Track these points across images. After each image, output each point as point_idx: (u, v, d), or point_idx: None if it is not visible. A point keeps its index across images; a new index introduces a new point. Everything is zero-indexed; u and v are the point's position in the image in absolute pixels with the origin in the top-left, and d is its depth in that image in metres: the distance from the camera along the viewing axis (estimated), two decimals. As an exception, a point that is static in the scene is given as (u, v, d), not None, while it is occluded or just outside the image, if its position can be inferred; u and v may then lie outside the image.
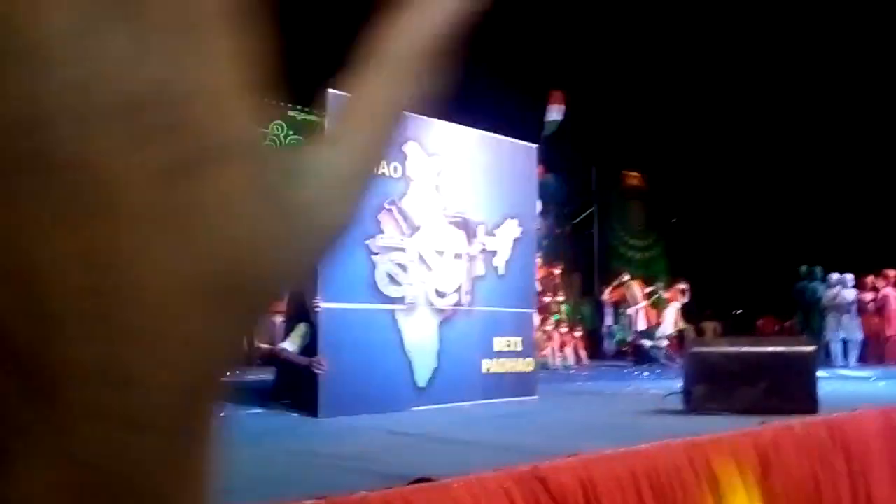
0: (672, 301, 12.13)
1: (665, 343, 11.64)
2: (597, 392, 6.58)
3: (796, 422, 3.97)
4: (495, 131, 5.86)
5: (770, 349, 4.39)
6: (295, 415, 4.43)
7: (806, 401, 4.29)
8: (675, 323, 12.06)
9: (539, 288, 11.39)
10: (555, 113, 12.94)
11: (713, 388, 4.39)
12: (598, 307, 14.95)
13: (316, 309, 4.52)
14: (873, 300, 10.87)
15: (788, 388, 4.29)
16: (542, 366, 10.61)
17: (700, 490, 3.24)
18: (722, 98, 13.80)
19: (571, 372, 10.50)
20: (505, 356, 5.60)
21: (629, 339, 12.50)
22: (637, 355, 11.85)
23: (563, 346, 11.43)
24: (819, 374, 7.07)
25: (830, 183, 13.79)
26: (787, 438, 3.85)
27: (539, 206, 11.53)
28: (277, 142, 13.05)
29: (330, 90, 4.70)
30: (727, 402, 4.32)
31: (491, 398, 5.35)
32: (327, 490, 2.09)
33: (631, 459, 2.95)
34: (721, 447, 3.47)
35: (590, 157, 15.51)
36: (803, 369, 4.33)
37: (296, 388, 4.71)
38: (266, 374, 6.28)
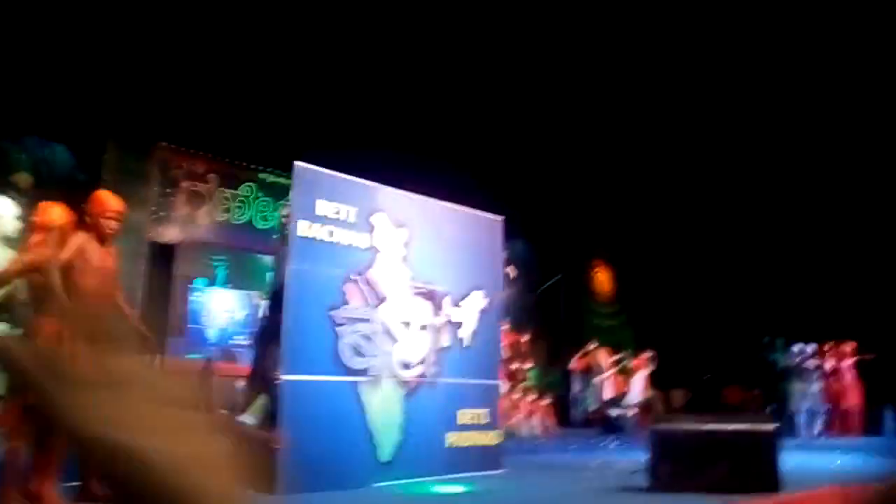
0: (639, 369, 12.16)
1: (632, 412, 11.61)
2: (563, 465, 6.49)
3: (759, 502, 3.96)
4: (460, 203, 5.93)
5: (733, 427, 4.40)
6: (251, 492, 4.28)
7: (769, 480, 4.28)
8: (643, 391, 12.06)
9: (506, 354, 11.37)
10: None
11: (678, 465, 4.37)
12: (566, 374, 14.92)
13: (276, 381, 4.43)
14: (834, 370, 11.00)
15: (751, 467, 4.29)
16: (510, 435, 10.48)
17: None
18: (686, 174, 14.18)
19: (539, 442, 10.38)
20: (470, 429, 5.52)
21: (596, 407, 12.44)
22: (604, 424, 11.78)
23: (530, 414, 11.33)
24: (785, 445, 7.10)
25: (792, 255, 14.12)
26: (751, 519, 3.83)
27: (513, 271, 11.63)
28: (248, 203, 13.06)
29: (297, 163, 4.74)
30: (692, 481, 4.30)
31: (455, 472, 5.24)
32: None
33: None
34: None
35: (558, 224, 15.72)
36: (765, 448, 4.33)
37: (253, 463, 4.56)
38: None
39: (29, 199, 8.66)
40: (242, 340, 10.40)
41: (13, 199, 6.51)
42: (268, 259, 11.44)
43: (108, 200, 3.91)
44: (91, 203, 3.84)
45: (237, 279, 11.45)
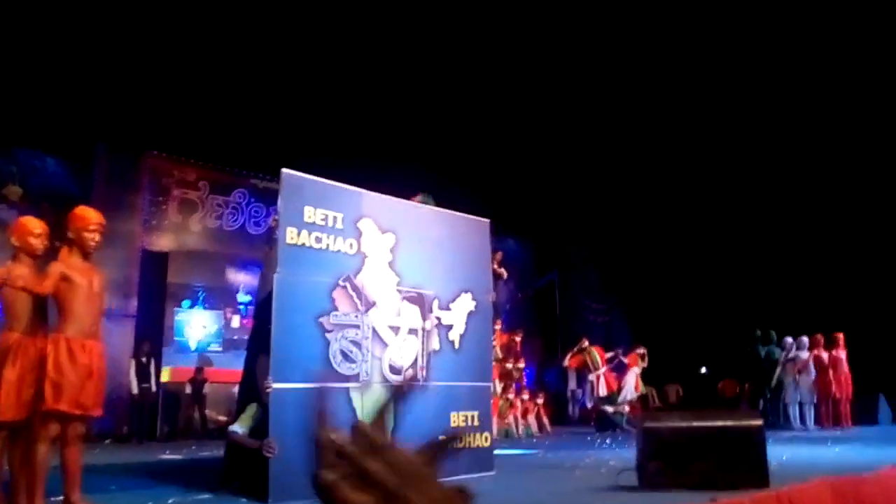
0: (632, 366, 12.22)
1: (627, 409, 11.67)
2: (555, 465, 6.53)
3: (747, 497, 3.99)
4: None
5: (719, 424, 4.44)
6: (244, 500, 4.32)
7: (756, 474, 4.32)
8: (637, 387, 12.12)
9: (500, 354, 11.41)
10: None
11: (666, 463, 4.41)
12: (561, 372, 14.99)
13: (267, 390, 4.45)
14: (825, 361, 11.07)
15: (739, 463, 4.33)
16: (505, 434, 10.53)
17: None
18: (678, 170, 14.24)
19: (534, 440, 10.42)
20: (462, 432, 5.55)
21: (591, 405, 12.49)
22: (599, 421, 11.83)
23: (525, 413, 11.37)
24: (777, 438, 7.15)
25: (782, 248, 14.18)
26: (737, 515, 3.87)
27: (505, 274, 11.65)
28: (240, 209, 13.08)
29: (284, 170, 4.77)
30: (680, 478, 4.34)
31: (447, 476, 5.24)
32: None
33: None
34: (671, 527, 3.48)
35: (550, 222, 15.78)
36: (752, 444, 4.37)
37: (245, 471, 4.60)
38: (219, 451, 6.13)
39: (20, 212, 8.69)
40: (217, 348, 12.37)
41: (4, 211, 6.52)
42: (238, 283, 12.48)
43: (88, 214, 3.97)
44: (72, 219, 3.91)
45: (212, 301, 12.55)
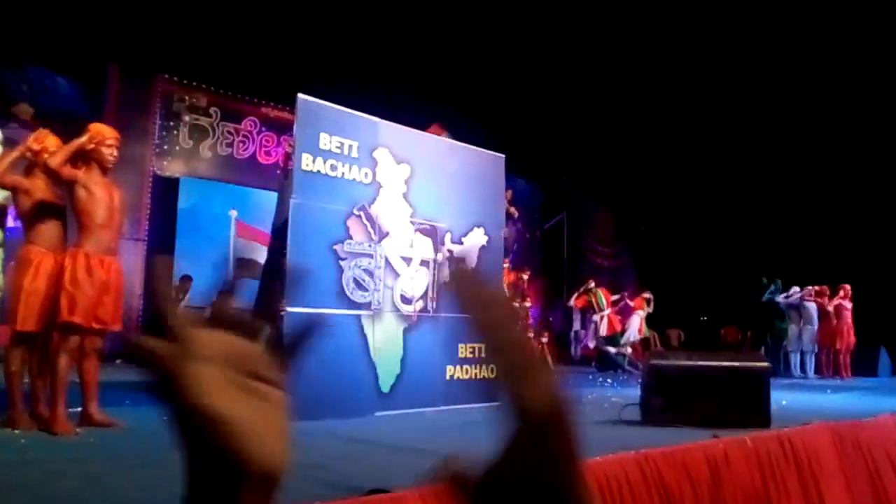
0: (637, 309, 12.31)
1: (629, 350, 11.80)
2: (559, 399, 6.64)
3: (748, 436, 4.07)
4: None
5: (725, 364, 4.50)
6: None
7: (759, 415, 4.40)
8: (640, 330, 12.24)
9: (508, 293, 11.49)
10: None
11: (669, 400, 4.49)
12: (566, 312, 15.11)
13: (281, 312, 4.52)
14: (829, 311, 11.13)
15: (742, 403, 4.40)
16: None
17: (650, 501, 3.32)
18: (690, 113, 14.03)
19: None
20: (469, 363, 5.65)
21: (594, 345, 12.65)
22: (601, 361, 12.00)
23: (529, 351, 11.52)
24: (778, 384, 7.25)
25: (792, 198, 14.09)
26: (738, 452, 3.95)
27: (516, 213, 11.65)
28: (251, 137, 13.00)
29: (300, 95, 4.72)
30: (683, 415, 4.42)
31: (455, 404, 5.40)
32: (282, 499, 2.11)
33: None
34: (673, 459, 3.56)
35: (561, 164, 15.66)
36: (757, 385, 4.44)
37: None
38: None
39: (30, 132, 8.66)
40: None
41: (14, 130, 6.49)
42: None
43: (104, 129, 3.93)
44: (89, 134, 3.85)
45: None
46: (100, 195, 3.80)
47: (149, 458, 3.01)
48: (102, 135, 3.86)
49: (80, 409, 3.85)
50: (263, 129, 13.11)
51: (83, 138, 3.77)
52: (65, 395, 3.65)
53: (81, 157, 3.85)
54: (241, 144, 12.92)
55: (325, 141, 4.77)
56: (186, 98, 12.29)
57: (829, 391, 8.33)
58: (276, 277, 4.79)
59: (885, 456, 4.83)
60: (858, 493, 4.61)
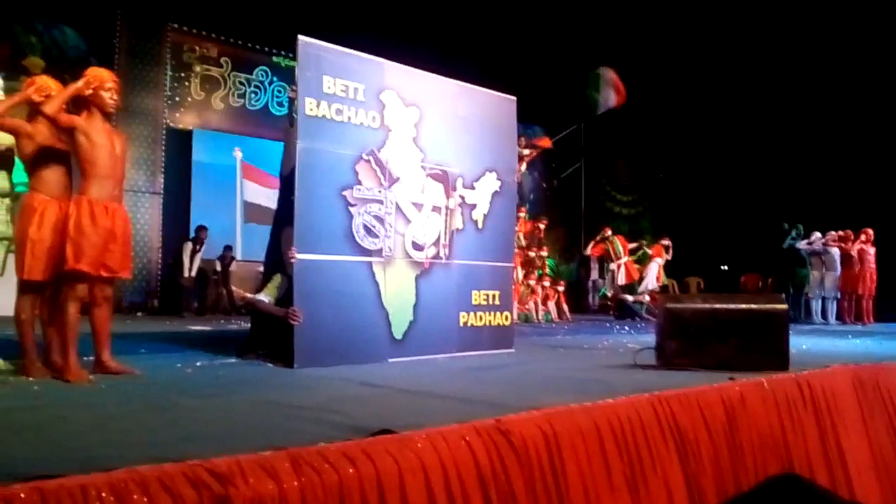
0: (655, 257, 12.19)
1: (647, 298, 11.73)
2: (574, 346, 6.62)
3: (765, 378, 4.00)
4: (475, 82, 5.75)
5: (743, 306, 4.40)
6: (270, 365, 4.44)
7: (777, 358, 4.32)
8: (658, 278, 12.14)
9: (524, 242, 11.42)
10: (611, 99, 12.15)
11: (685, 343, 4.42)
12: (584, 261, 15.03)
13: (292, 260, 4.48)
14: (852, 257, 10.92)
15: (760, 346, 4.32)
16: (525, 319, 10.69)
17: (665, 443, 3.27)
18: (708, 60, 13.67)
19: (553, 326, 10.58)
20: (482, 309, 5.61)
21: (611, 293, 12.58)
22: (619, 310, 11.94)
23: (546, 299, 11.49)
24: (798, 330, 7.15)
25: (813, 142, 13.75)
26: (755, 394, 3.88)
27: (529, 151, 11.47)
28: (263, 88, 12.85)
29: (301, 37, 4.58)
30: (699, 358, 4.36)
31: (468, 351, 5.37)
32: (287, 441, 2.09)
33: (595, 413, 2.96)
34: (688, 401, 3.50)
35: (577, 112, 15.36)
36: (775, 327, 4.35)
37: (272, 338, 4.70)
38: (246, 324, 6.29)
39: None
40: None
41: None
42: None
43: (102, 73, 3.82)
44: (86, 79, 3.73)
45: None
46: (101, 142, 3.72)
47: (156, 401, 3.01)
48: (100, 78, 3.75)
49: (93, 357, 3.86)
50: (275, 78, 12.95)
51: (79, 83, 3.67)
52: (76, 343, 3.65)
53: (83, 104, 3.76)
54: (252, 95, 12.79)
55: (329, 84, 4.64)
56: (197, 48, 12.15)
57: (850, 336, 8.22)
58: (286, 225, 4.73)
59: (906, 398, 4.75)
60: (876, 435, 4.55)
